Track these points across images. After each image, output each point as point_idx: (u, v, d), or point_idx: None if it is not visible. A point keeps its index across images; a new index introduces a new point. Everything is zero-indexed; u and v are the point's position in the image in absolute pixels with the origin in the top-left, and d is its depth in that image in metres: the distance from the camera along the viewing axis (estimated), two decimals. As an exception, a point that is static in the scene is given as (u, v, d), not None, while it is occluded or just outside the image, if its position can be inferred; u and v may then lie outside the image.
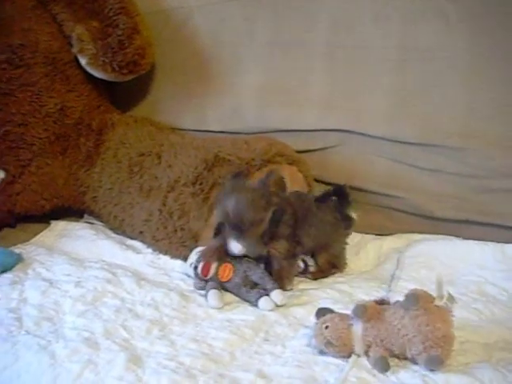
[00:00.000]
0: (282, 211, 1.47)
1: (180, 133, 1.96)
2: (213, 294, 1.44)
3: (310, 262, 1.60)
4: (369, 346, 1.18)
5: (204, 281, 1.50)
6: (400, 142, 1.80)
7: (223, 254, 1.49)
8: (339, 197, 1.62)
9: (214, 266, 1.49)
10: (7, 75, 1.79)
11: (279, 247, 1.50)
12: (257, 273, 1.49)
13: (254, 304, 1.43)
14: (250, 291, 1.46)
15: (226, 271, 1.48)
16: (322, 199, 1.63)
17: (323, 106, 1.87)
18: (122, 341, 1.26)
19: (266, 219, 1.44)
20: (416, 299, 1.15)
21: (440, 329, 1.13)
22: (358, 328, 1.18)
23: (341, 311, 1.27)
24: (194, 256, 1.55)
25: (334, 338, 1.18)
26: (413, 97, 1.80)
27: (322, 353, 1.21)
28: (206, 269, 1.49)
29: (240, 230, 1.42)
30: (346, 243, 1.66)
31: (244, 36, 1.97)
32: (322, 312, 1.25)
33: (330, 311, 1.25)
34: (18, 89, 1.81)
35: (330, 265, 1.61)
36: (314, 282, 1.58)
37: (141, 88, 2.07)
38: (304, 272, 1.60)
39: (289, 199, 1.51)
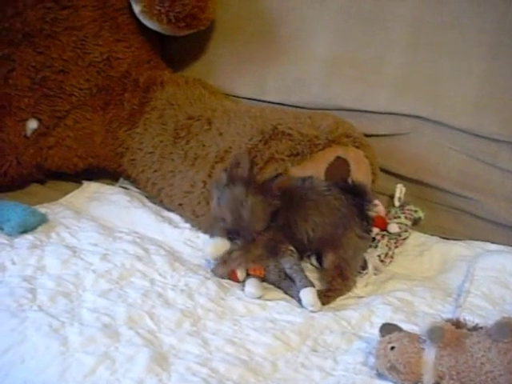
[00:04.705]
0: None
1: (235, 99, 1.82)
2: (251, 281, 1.32)
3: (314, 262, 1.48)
4: (441, 378, 1.03)
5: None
6: (483, 137, 1.65)
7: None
8: (357, 195, 1.45)
9: (240, 271, 1.36)
10: (52, 15, 1.66)
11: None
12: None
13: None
14: (292, 285, 1.34)
15: (257, 270, 1.35)
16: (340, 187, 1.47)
17: (399, 87, 1.71)
18: (147, 332, 1.12)
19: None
20: (509, 330, 0.98)
21: (535, 370, 0.95)
22: (430, 354, 1.03)
23: (403, 324, 1.13)
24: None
25: (400, 363, 1.03)
26: (507, 87, 1.63)
27: (380, 376, 1.07)
28: (233, 276, 1.36)
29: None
30: (363, 250, 1.46)
31: (316, -1, 1.81)
32: (387, 328, 1.10)
33: (397, 328, 1.09)
34: (63, 32, 1.67)
35: (337, 270, 1.39)
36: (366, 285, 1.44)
37: (196, 46, 1.91)
38: None
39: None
